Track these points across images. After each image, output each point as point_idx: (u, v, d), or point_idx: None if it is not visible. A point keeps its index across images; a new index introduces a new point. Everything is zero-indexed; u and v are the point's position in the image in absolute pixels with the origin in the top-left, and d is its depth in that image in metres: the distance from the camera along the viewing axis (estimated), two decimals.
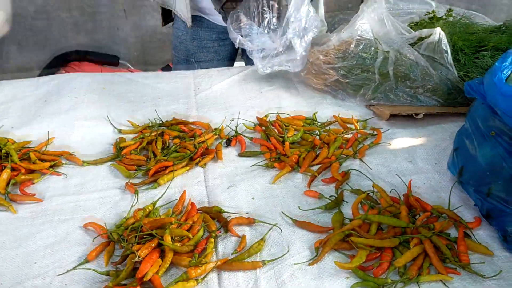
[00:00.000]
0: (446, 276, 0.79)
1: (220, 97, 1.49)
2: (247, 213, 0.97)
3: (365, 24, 1.44)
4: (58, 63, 2.68)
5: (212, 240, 0.88)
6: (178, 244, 0.85)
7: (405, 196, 0.99)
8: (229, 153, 1.20)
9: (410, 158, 1.14)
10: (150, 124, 1.31)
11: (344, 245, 0.87)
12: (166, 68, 2.73)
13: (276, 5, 1.33)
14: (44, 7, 2.79)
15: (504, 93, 0.81)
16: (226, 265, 0.83)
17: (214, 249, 0.88)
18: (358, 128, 1.26)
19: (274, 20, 1.34)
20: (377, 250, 0.85)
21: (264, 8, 1.32)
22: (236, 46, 1.44)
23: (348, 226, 0.89)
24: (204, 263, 0.82)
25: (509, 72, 0.88)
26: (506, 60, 0.89)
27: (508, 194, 0.84)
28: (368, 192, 1.00)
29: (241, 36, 1.35)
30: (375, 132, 1.23)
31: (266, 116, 1.33)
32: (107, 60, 2.75)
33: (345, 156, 1.15)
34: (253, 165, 1.13)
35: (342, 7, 2.97)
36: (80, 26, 2.88)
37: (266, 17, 1.33)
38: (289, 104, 1.44)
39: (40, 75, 2.62)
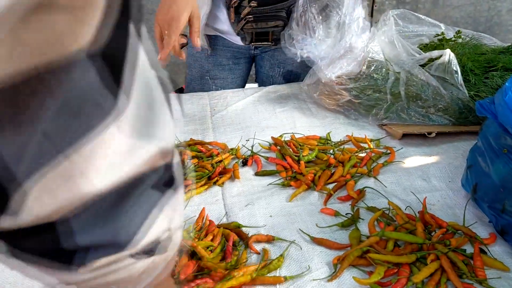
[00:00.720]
0: None
1: (236, 118, 1.53)
2: (265, 226, 1.00)
3: (376, 46, 1.48)
4: None
5: (243, 249, 0.92)
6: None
7: (421, 213, 1.01)
8: (246, 172, 1.23)
9: (424, 176, 1.16)
10: None
11: (362, 261, 0.89)
12: (179, 90, 2.77)
13: (321, 15, 1.39)
14: None
15: None
16: (248, 279, 0.86)
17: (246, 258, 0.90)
18: (372, 147, 1.29)
19: (325, 27, 1.40)
20: (395, 266, 0.87)
21: (312, 21, 1.38)
22: (298, 60, 1.50)
23: (365, 242, 0.91)
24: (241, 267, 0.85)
25: None
26: None
27: None
28: (383, 209, 1.02)
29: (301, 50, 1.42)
30: (389, 151, 1.26)
31: (281, 136, 1.37)
32: None
33: (359, 174, 1.17)
34: (270, 184, 1.16)
35: None
36: None
37: (316, 28, 1.39)
38: (303, 124, 1.47)
39: None
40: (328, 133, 1.37)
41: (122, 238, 0.37)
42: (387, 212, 1.02)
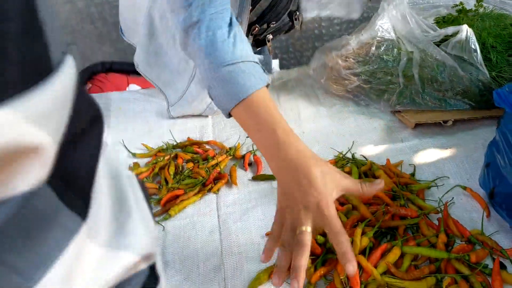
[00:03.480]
0: None
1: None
2: (258, 244, 0.92)
3: (386, 24, 1.34)
4: (85, 77, 2.70)
5: None
6: None
7: (440, 220, 0.89)
8: (244, 175, 1.14)
9: (439, 173, 1.04)
10: (165, 147, 1.28)
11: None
12: None
13: None
14: (68, 21, 2.81)
15: None
16: None
17: None
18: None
19: None
20: None
21: None
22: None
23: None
24: None
25: None
26: None
27: None
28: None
29: None
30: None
31: None
32: (132, 69, 2.74)
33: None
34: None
35: None
36: (105, 37, 2.88)
37: None
38: (309, 114, 1.36)
39: None
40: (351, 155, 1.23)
41: None
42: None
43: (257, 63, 0.94)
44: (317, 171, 0.77)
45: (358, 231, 0.85)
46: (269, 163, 0.85)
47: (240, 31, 0.94)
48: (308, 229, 0.74)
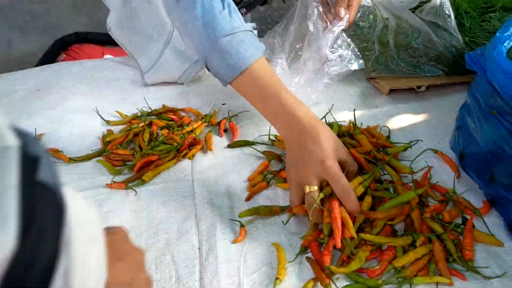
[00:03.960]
0: (445, 279, 0.72)
1: (213, 79, 1.41)
2: (232, 208, 0.92)
3: None
4: (59, 47, 2.63)
5: None
6: None
7: (417, 183, 0.91)
8: (221, 142, 1.14)
9: (411, 137, 1.05)
10: (139, 114, 1.26)
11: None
12: None
13: None
14: None
15: (503, 69, 0.72)
16: None
17: None
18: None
19: None
20: (377, 249, 0.79)
21: None
22: None
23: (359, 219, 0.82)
24: None
25: (511, 43, 0.78)
26: (508, 29, 0.80)
27: (511, 180, 0.76)
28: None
29: None
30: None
31: None
32: (107, 39, 2.68)
33: None
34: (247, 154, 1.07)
35: None
36: (79, 7, 2.81)
37: None
38: (287, 82, 1.35)
39: (41, 61, 2.58)
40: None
41: None
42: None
43: (251, 31, 0.94)
44: (324, 133, 0.84)
45: (356, 180, 0.85)
46: (277, 126, 0.91)
47: (231, 0, 0.94)
48: (314, 188, 0.81)
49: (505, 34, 0.78)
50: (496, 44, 0.77)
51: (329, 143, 0.83)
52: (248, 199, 0.95)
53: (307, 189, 0.82)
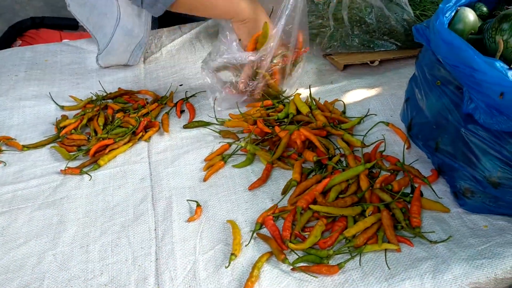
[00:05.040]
0: (392, 245, 0.74)
1: (170, 60, 1.40)
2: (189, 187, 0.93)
3: None
4: (14, 33, 2.53)
5: None
6: None
7: (367, 155, 0.93)
8: (178, 123, 1.13)
9: (364, 111, 1.07)
10: (94, 98, 1.24)
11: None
12: None
13: None
14: None
15: (444, 39, 0.73)
16: None
17: None
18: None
19: None
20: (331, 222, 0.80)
21: None
22: None
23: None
24: None
25: (452, 14, 0.80)
26: (450, 0, 0.81)
27: (455, 149, 0.78)
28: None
29: None
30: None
31: None
32: (65, 24, 2.60)
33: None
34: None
35: None
36: None
37: None
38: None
39: None
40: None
41: None
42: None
43: None
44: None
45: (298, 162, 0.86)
46: (231, 15, 1.06)
47: None
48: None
49: (447, 5, 0.80)
50: (438, 15, 0.78)
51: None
52: (206, 179, 0.95)
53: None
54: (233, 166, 0.97)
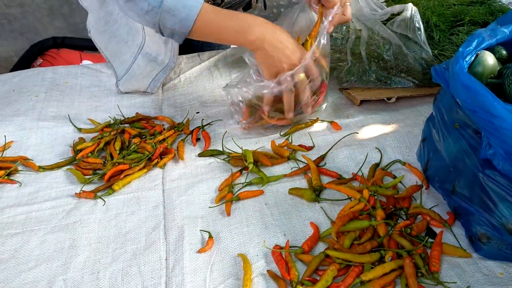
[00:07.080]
0: None
1: (188, 87, 1.42)
2: (202, 217, 0.92)
3: None
4: (35, 52, 2.60)
5: None
6: None
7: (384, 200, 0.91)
8: (193, 151, 1.14)
9: (380, 147, 1.07)
10: (112, 122, 1.25)
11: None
12: None
13: None
14: None
15: (464, 83, 0.73)
16: None
17: None
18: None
19: None
20: (346, 267, 0.78)
21: None
22: None
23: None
24: None
25: (473, 58, 0.80)
26: (470, 45, 0.81)
27: (472, 193, 0.77)
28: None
29: None
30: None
31: None
32: (85, 44, 2.66)
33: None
34: (211, 163, 1.07)
35: None
36: (55, 11, 2.78)
37: None
38: None
39: (16, 65, 2.55)
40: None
41: None
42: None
43: None
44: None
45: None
46: (242, 39, 1.06)
47: None
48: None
49: (467, 49, 0.80)
50: (458, 58, 0.79)
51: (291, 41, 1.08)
52: (228, 213, 0.93)
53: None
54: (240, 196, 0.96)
